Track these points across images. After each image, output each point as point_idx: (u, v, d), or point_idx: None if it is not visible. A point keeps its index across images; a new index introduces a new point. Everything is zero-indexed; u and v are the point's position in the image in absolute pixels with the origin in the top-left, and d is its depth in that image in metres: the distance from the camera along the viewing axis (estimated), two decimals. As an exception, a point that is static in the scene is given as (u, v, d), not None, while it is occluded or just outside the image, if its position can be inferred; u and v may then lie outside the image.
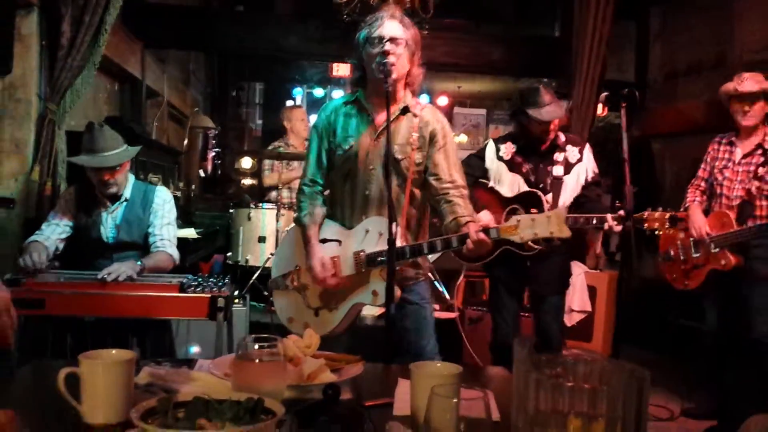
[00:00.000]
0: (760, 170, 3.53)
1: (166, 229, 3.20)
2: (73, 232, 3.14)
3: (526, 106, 3.30)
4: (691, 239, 3.78)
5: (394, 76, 2.35)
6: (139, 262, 2.94)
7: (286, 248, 2.70)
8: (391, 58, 2.34)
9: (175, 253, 3.19)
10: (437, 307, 4.83)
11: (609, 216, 2.98)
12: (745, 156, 3.63)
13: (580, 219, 3.04)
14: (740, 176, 3.61)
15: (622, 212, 2.95)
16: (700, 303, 3.94)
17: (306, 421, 1.21)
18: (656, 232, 2.98)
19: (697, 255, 3.76)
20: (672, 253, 3.93)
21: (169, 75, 7.13)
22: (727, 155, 3.72)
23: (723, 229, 3.60)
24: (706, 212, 3.78)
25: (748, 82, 3.57)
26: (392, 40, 2.37)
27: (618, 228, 2.95)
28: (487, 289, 4.70)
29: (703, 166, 3.88)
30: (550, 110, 3.25)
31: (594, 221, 3.02)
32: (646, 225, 2.98)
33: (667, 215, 2.96)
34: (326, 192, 2.62)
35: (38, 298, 2.67)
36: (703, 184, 3.86)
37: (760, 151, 3.58)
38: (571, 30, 5.97)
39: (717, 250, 3.62)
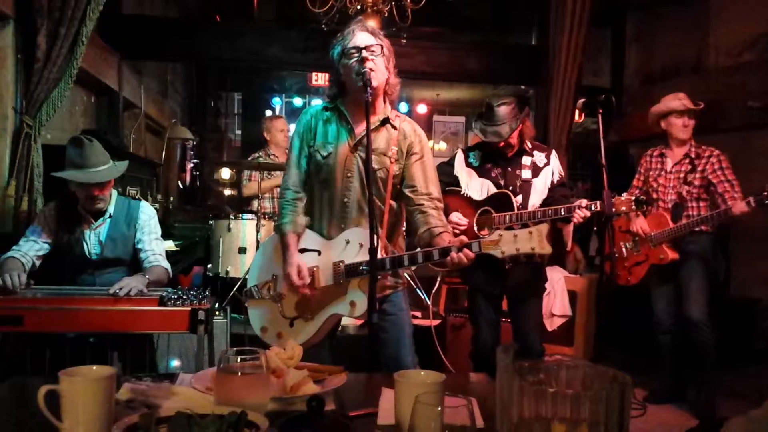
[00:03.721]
0: (689, 176, 3.98)
1: (156, 244, 3.17)
2: (52, 249, 3.08)
3: (476, 121, 3.38)
4: (635, 239, 4.16)
5: (374, 83, 2.36)
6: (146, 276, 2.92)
7: (263, 257, 2.68)
8: (369, 64, 2.36)
9: (169, 267, 3.17)
10: (419, 314, 4.83)
11: (574, 205, 3.09)
12: (675, 164, 4.07)
13: (548, 211, 3.17)
14: (672, 182, 4.07)
15: (582, 201, 3.08)
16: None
17: (290, 434, 1.20)
18: (624, 216, 3.08)
19: (638, 252, 4.16)
20: (615, 252, 4.21)
21: (147, 86, 7.09)
22: (659, 165, 4.17)
23: (660, 227, 4.01)
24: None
25: (687, 101, 4.04)
26: (367, 48, 2.39)
27: (581, 213, 3.06)
28: (469, 296, 4.71)
29: (637, 176, 4.32)
30: (493, 130, 3.27)
31: (562, 212, 3.12)
32: (614, 210, 3.10)
33: (633, 197, 3.11)
34: (306, 199, 2.61)
35: (16, 315, 2.62)
36: (636, 191, 4.21)
37: (687, 161, 4.03)
38: (548, 38, 6.04)
39: (655, 246, 4.03)
